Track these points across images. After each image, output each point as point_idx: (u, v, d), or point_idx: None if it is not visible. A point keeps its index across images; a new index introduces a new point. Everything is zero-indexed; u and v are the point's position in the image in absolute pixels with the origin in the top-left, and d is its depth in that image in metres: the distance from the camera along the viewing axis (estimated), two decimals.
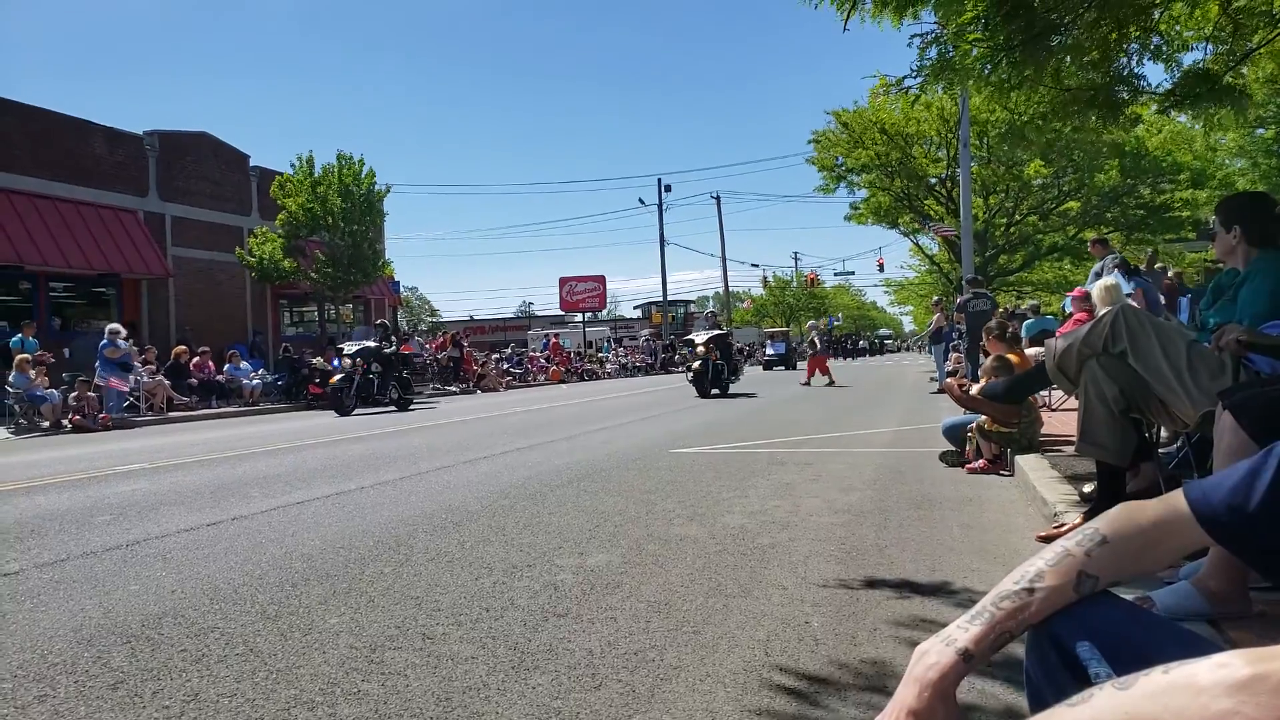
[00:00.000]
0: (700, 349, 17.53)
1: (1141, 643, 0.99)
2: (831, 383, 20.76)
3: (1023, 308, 16.62)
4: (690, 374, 17.64)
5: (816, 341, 22.46)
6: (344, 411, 15.83)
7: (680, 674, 2.52)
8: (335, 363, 17.98)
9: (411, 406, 17.52)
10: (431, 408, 17.40)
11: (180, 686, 2.53)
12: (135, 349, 17.35)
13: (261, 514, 5.35)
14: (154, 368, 17.66)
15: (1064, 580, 1.05)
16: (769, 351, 45.62)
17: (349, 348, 17.33)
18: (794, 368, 38.51)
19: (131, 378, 16.41)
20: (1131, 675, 0.72)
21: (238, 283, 25.28)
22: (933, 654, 1.05)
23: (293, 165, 23.37)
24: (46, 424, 14.62)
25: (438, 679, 2.53)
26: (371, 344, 17.32)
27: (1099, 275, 10.70)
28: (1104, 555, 1.06)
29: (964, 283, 15.43)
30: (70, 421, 14.61)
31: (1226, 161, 28.15)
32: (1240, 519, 1.01)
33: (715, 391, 17.45)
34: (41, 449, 11.16)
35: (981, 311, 13.71)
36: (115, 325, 16.94)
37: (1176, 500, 1.07)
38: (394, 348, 17.83)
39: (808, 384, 20.91)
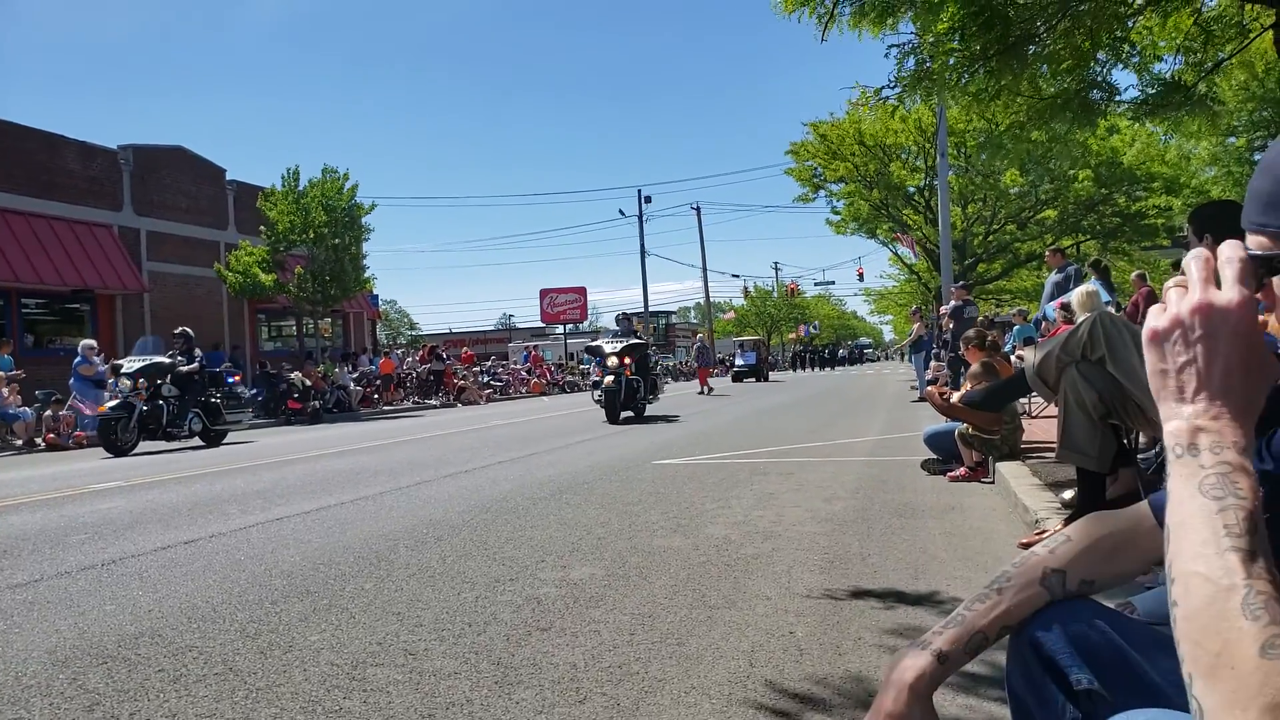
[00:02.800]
0: (612, 361, 14.16)
1: (1123, 647, 0.99)
2: (705, 391, 24.75)
3: (1005, 315, 16.70)
4: (599, 393, 14.25)
5: (698, 354, 27.51)
6: (118, 449, 12.01)
7: (665, 686, 2.51)
8: (113, 384, 13.00)
9: (226, 440, 13.71)
10: (250, 442, 13.60)
11: (158, 707, 2.49)
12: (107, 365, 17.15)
13: (240, 531, 5.29)
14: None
15: (1030, 577, 1.07)
16: (739, 361, 41.51)
17: (129, 364, 12.95)
18: (766, 379, 37.31)
19: (106, 395, 16.21)
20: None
21: (214, 298, 25.10)
22: (909, 658, 1.06)
23: (283, 179, 23.27)
24: (19, 442, 14.42)
25: (420, 695, 2.50)
26: (162, 359, 13.10)
27: (1056, 285, 10.80)
28: (1069, 551, 1.08)
29: (954, 289, 15.38)
30: (44, 440, 14.43)
31: (1199, 170, 28.53)
32: None
33: (629, 414, 14.25)
34: (14, 468, 11.01)
35: (973, 318, 13.75)
36: (89, 341, 16.75)
37: (1144, 507, 1.09)
38: (195, 363, 13.48)
39: (702, 392, 24.65)
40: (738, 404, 18.73)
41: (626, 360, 14.13)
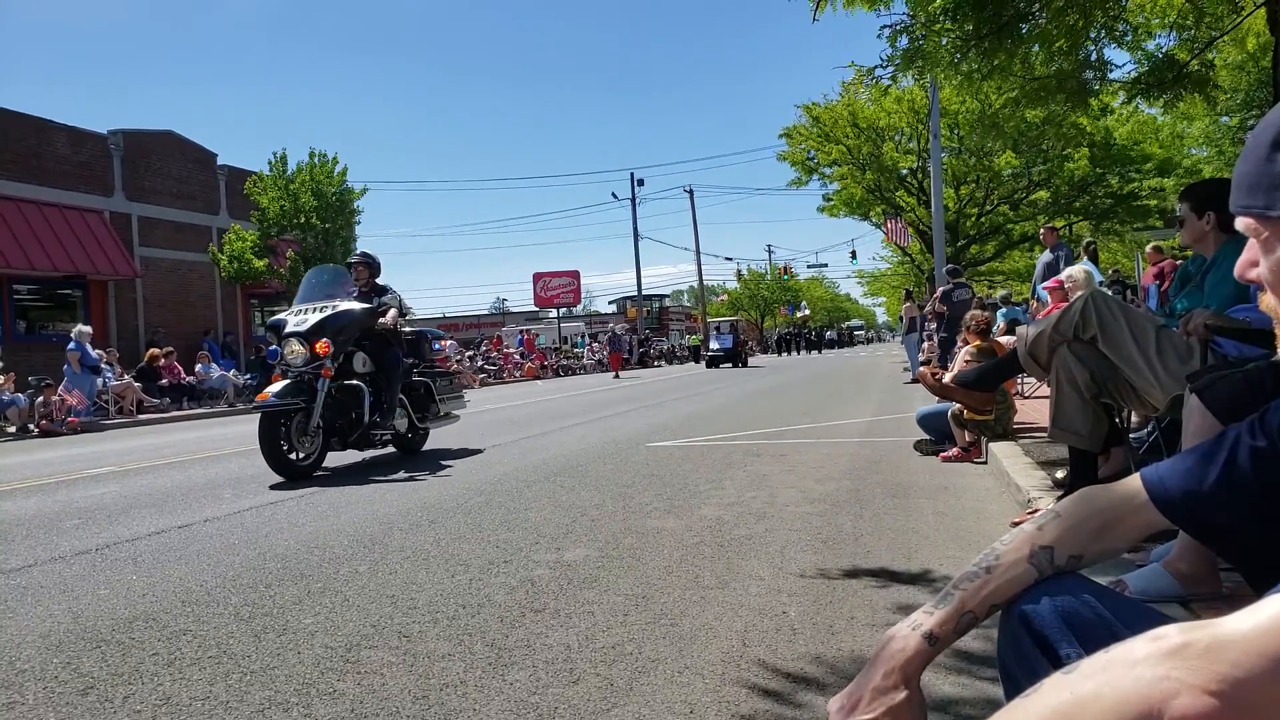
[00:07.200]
0: (294, 349, 7.16)
1: (1113, 623, 0.99)
2: (616, 376, 27.33)
3: (994, 297, 16.70)
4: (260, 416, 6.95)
5: (610, 340, 30.58)
6: None
7: (658, 667, 2.52)
8: None
9: None
10: None
11: (152, 690, 2.49)
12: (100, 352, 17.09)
13: (234, 515, 5.29)
14: (118, 370, 17.39)
15: (1018, 555, 1.07)
16: (713, 345, 35.52)
17: None
18: (745, 365, 33.51)
19: (99, 381, 16.17)
20: (1079, 660, 0.74)
21: (207, 283, 24.98)
22: (899, 639, 1.06)
23: (270, 163, 23.15)
24: (13, 429, 14.38)
25: (414, 677, 2.50)
26: None
27: (1047, 265, 10.83)
28: (1057, 527, 1.08)
29: (945, 273, 15.38)
30: (37, 426, 14.39)
31: (1192, 150, 28.54)
32: (1194, 502, 1.02)
33: (393, 450, 8.22)
34: (7, 454, 10.98)
35: (964, 300, 13.78)
36: (83, 327, 16.68)
37: (1134, 483, 1.09)
38: None
39: (617, 376, 26.82)
40: (641, 406, 14.54)
41: (323, 346, 7.02)
